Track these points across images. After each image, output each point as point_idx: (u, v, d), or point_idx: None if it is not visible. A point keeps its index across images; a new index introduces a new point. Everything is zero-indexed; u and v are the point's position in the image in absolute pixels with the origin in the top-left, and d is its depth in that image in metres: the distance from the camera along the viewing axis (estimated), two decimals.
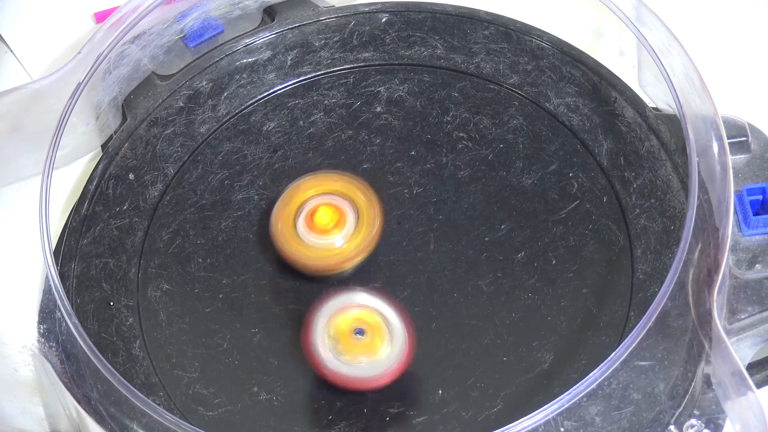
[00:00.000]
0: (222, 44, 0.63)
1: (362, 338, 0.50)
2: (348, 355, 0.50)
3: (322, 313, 0.51)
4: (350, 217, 0.54)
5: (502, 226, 0.56)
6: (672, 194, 0.56)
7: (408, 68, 0.62)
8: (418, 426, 0.51)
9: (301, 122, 0.61)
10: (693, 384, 0.50)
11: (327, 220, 0.53)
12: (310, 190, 0.55)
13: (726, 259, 0.50)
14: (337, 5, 0.65)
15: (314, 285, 0.55)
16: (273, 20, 0.64)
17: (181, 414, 0.52)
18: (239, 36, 0.64)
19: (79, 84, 0.57)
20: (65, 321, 0.51)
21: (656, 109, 0.59)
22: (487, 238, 0.56)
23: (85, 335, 0.50)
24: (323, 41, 0.63)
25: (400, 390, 0.52)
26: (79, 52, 0.59)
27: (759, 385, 0.52)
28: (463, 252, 0.56)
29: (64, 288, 0.51)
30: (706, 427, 0.49)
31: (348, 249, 0.53)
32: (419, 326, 0.53)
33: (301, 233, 0.54)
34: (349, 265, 0.54)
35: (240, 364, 0.53)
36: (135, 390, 0.48)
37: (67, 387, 0.51)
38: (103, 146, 0.62)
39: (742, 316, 0.51)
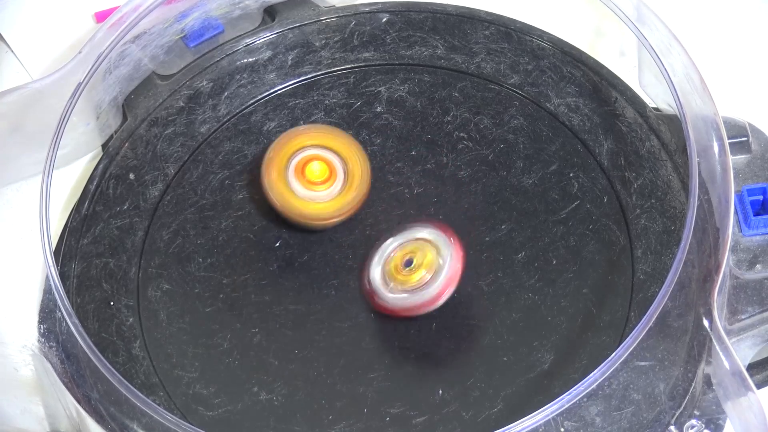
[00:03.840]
0: (222, 44, 0.63)
1: (411, 268, 0.52)
2: (400, 285, 0.52)
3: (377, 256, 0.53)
4: (340, 175, 0.55)
5: (503, 226, 0.56)
6: (672, 194, 0.56)
7: (408, 68, 0.62)
8: (418, 426, 0.51)
9: (302, 122, 0.61)
10: (693, 384, 0.50)
11: (318, 174, 0.54)
12: (307, 140, 0.55)
13: (726, 260, 0.50)
14: (337, 5, 0.65)
15: (315, 285, 0.55)
16: (273, 20, 0.64)
17: (182, 414, 0.52)
18: (240, 36, 0.64)
19: (80, 84, 0.57)
20: (65, 321, 0.51)
21: (657, 109, 0.59)
22: (487, 238, 0.56)
23: (85, 335, 0.50)
24: (324, 41, 0.63)
25: (400, 390, 0.52)
26: (79, 52, 0.59)
27: (759, 386, 0.52)
28: (463, 252, 0.56)
29: (64, 288, 0.51)
30: (706, 427, 0.49)
31: (331, 207, 0.55)
32: (420, 326, 0.53)
33: (290, 181, 0.54)
34: (329, 223, 0.55)
35: (240, 364, 0.53)
36: (135, 390, 0.48)
37: (67, 387, 0.51)
38: (104, 146, 0.62)
39: (743, 317, 0.51)
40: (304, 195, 0.55)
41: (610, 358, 0.47)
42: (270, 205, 0.55)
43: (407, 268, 0.52)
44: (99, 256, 0.57)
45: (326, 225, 0.56)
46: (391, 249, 0.53)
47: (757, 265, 0.53)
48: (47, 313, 0.55)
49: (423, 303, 0.52)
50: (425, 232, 0.53)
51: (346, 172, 0.55)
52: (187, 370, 0.53)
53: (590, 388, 0.47)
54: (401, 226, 0.54)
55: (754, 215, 0.53)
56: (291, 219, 0.55)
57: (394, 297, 0.52)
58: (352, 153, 0.55)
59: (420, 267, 0.52)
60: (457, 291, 0.54)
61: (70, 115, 0.56)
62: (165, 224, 0.58)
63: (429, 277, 0.52)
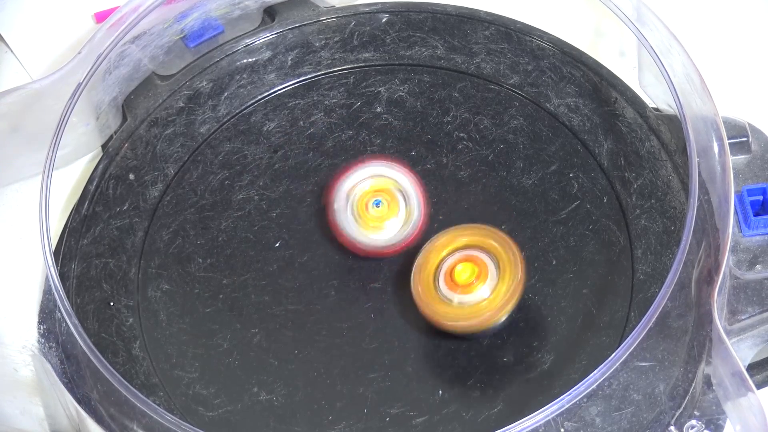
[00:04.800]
0: (222, 44, 0.63)
1: (380, 209, 0.53)
2: (367, 225, 0.53)
3: (343, 186, 0.54)
4: (491, 268, 0.52)
5: (503, 227, 0.56)
6: (672, 195, 0.56)
7: (408, 68, 0.62)
8: (418, 426, 0.51)
9: (302, 122, 0.61)
10: (693, 385, 0.50)
11: (468, 275, 0.51)
12: (443, 249, 0.53)
13: (726, 260, 0.50)
14: (337, 5, 0.65)
15: (315, 285, 0.55)
16: (273, 20, 0.64)
17: (181, 414, 0.52)
18: (239, 36, 0.64)
19: (80, 84, 0.57)
20: (65, 321, 0.51)
21: (657, 109, 0.59)
22: None
23: (85, 335, 0.50)
24: (323, 41, 0.63)
25: (400, 390, 0.52)
26: (79, 52, 0.59)
27: (759, 386, 0.52)
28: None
29: (64, 288, 0.51)
30: (706, 427, 0.49)
31: (495, 300, 0.51)
32: (419, 326, 0.53)
33: (443, 292, 0.52)
34: (500, 316, 0.51)
35: (240, 364, 0.53)
36: (135, 390, 0.48)
37: (67, 387, 0.51)
38: (104, 146, 0.62)
39: (743, 317, 0.51)
40: (467, 301, 0.51)
41: (610, 358, 0.47)
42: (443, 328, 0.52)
43: (376, 208, 0.53)
44: (99, 257, 0.57)
45: (503, 316, 0.52)
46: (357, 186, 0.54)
47: (757, 266, 0.53)
48: (47, 313, 0.55)
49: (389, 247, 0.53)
50: (390, 172, 0.54)
51: (495, 259, 0.52)
52: (187, 370, 0.53)
53: (590, 389, 0.47)
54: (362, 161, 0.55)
55: (754, 215, 0.53)
56: (471, 331, 0.52)
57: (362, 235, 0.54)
58: (489, 239, 0.52)
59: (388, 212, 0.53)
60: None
61: (69, 116, 0.56)
62: (165, 224, 0.58)
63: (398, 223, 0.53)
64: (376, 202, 0.53)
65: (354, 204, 0.54)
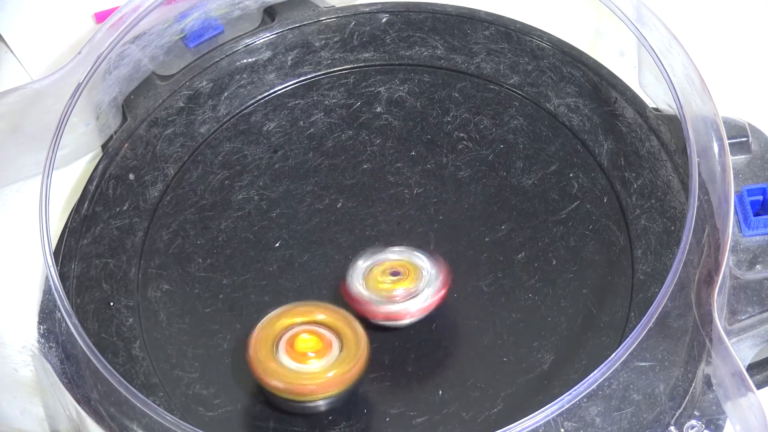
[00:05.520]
0: (222, 44, 0.63)
1: (400, 278, 0.52)
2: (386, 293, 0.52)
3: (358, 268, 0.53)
4: (334, 348, 0.51)
5: (502, 227, 0.56)
6: (672, 195, 0.56)
7: (408, 68, 0.62)
8: (418, 426, 0.51)
9: (301, 122, 0.61)
10: (693, 385, 0.50)
11: (311, 345, 0.50)
12: (296, 317, 0.51)
13: (726, 260, 0.50)
14: (337, 5, 0.65)
15: (315, 285, 0.55)
16: (273, 20, 0.64)
17: (181, 414, 0.52)
18: (239, 36, 0.64)
19: (79, 84, 0.57)
20: (65, 321, 0.51)
21: (657, 109, 0.59)
22: (487, 239, 0.56)
23: (85, 336, 0.50)
24: (323, 41, 0.63)
25: (400, 390, 0.52)
26: (79, 52, 0.59)
27: (759, 386, 0.52)
28: (463, 252, 0.56)
29: (64, 288, 0.51)
30: (706, 427, 0.49)
31: (319, 376, 0.50)
32: (419, 326, 0.53)
33: (280, 356, 0.50)
34: (322, 395, 0.50)
35: (240, 365, 0.53)
36: (135, 390, 0.48)
37: (66, 387, 0.51)
38: (103, 146, 0.62)
39: (743, 317, 0.51)
40: (297, 368, 0.50)
41: (610, 358, 0.47)
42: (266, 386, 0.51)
43: (393, 277, 0.52)
44: (99, 257, 0.57)
45: (325, 396, 0.50)
46: (374, 262, 0.53)
47: (757, 266, 0.53)
48: (47, 313, 0.55)
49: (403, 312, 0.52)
50: (417, 259, 0.53)
51: (341, 343, 0.51)
52: (186, 370, 0.53)
53: (590, 389, 0.47)
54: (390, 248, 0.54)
55: (754, 215, 0.53)
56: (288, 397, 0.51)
57: (374, 298, 0.52)
58: (343, 323, 0.51)
59: (406, 279, 0.52)
60: (458, 291, 0.54)
61: (69, 116, 0.56)
62: (165, 225, 0.58)
63: (414, 289, 0.52)
64: (394, 272, 0.52)
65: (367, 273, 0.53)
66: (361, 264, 0.53)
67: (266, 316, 0.51)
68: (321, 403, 0.50)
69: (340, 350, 0.50)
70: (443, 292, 0.52)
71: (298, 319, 0.51)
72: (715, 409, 0.50)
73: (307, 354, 0.50)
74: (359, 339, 0.51)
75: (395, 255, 0.53)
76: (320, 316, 0.51)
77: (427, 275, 0.52)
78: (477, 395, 0.51)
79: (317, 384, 0.49)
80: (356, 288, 0.52)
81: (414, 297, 0.52)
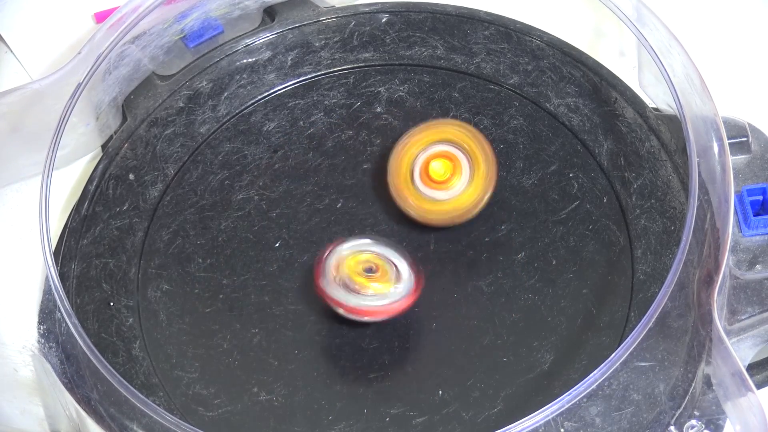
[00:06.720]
0: (222, 44, 0.63)
1: (373, 275, 0.52)
2: (361, 290, 0.52)
3: (333, 257, 0.53)
4: (464, 161, 0.54)
5: (502, 227, 0.56)
6: (672, 195, 0.56)
7: (408, 68, 0.62)
8: (418, 426, 0.51)
9: (301, 122, 0.61)
10: (693, 385, 0.50)
11: (443, 171, 0.54)
12: (415, 146, 0.55)
13: (726, 260, 0.50)
14: (337, 5, 0.65)
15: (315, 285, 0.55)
16: (273, 20, 0.64)
17: (181, 414, 0.52)
18: (239, 36, 0.64)
19: (79, 84, 0.57)
20: (65, 321, 0.51)
21: (656, 109, 0.59)
22: (487, 238, 0.56)
23: (85, 336, 0.50)
24: (323, 41, 0.63)
25: (400, 390, 0.52)
26: (79, 53, 0.59)
27: (759, 386, 0.52)
28: (463, 252, 0.56)
29: (64, 288, 0.51)
30: (706, 427, 0.49)
31: (472, 192, 0.54)
32: (419, 327, 0.53)
33: (419, 187, 0.54)
34: (477, 209, 0.55)
35: (240, 364, 0.53)
36: (135, 390, 0.48)
37: (66, 387, 0.51)
38: (103, 146, 0.62)
39: (743, 317, 0.51)
40: (440, 197, 0.54)
41: (610, 358, 0.47)
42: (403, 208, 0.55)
43: (367, 273, 0.52)
44: (99, 257, 0.57)
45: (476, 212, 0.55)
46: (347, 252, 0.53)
47: (757, 266, 0.53)
48: (47, 313, 0.55)
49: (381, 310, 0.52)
50: (396, 259, 0.53)
51: (468, 157, 0.55)
52: (186, 370, 0.53)
53: (590, 389, 0.47)
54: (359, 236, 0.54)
55: (754, 215, 0.53)
56: (444, 224, 0.55)
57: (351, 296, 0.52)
58: (464, 136, 0.55)
59: (378, 278, 0.52)
60: (458, 291, 0.54)
61: (69, 116, 0.56)
62: (165, 225, 0.58)
63: (382, 292, 0.52)
64: (368, 269, 0.52)
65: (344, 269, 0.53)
66: (341, 249, 0.53)
67: (391, 156, 0.55)
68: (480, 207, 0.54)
69: (469, 161, 0.54)
70: (410, 301, 0.52)
71: (418, 148, 0.55)
72: (715, 409, 0.50)
73: (447, 180, 0.54)
74: (479, 143, 0.55)
75: (376, 249, 0.53)
76: (434, 135, 0.55)
77: (399, 280, 0.52)
78: (477, 395, 0.51)
79: (470, 200, 0.54)
80: (330, 276, 0.52)
81: (381, 299, 0.52)
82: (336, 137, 0.60)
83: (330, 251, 0.52)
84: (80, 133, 0.61)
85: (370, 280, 0.51)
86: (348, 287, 0.51)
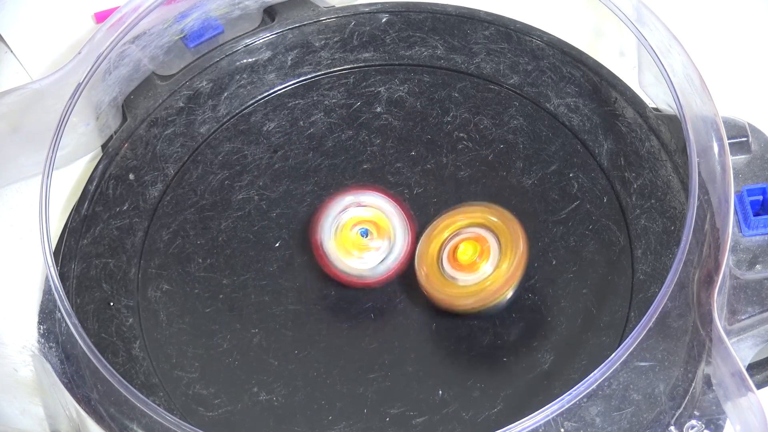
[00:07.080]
0: (222, 44, 0.63)
1: (367, 238, 0.53)
2: (354, 253, 0.53)
3: (330, 214, 0.53)
4: (493, 245, 0.53)
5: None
6: (672, 195, 0.56)
7: (408, 68, 0.62)
8: (418, 426, 0.51)
9: (301, 122, 0.61)
10: (693, 385, 0.50)
11: (471, 254, 0.52)
12: (446, 230, 0.54)
13: (726, 260, 0.50)
14: (337, 5, 0.65)
15: (315, 286, 0.55)
16: (273, 20, 0.64)
17: (181, 414, 0.52)
18: (239, 36, 0.64)
19: (79, 84, 0.57)
20: (65, 321, 0.51)
21: (656, 109, 0.59)
22: None
23: (85, 336, 0.50)
24: (323, 41, 0.63)
25: (400, 390, 0.52)
26: (79, 53, 0.59)
27: (759, 386, 0.52)
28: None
29: (64, 288, 0.51)
30: (706, 427, 0.49)
31: (499, 276, 0.52)
32: (419, 326, 0.53)
33: (448, 272, 0.53)
34: (506, 292, 0.52)
35: (240, 364, 0.53)
36: (135, 390, 0.48)
37: (66, 387, 0.51)
38: (103, 146, 0.62)
39: (743, 317, 0.51)
40: (471, 280, 0.52)
41: (610, 358, 0.47)
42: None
43: (363, 238, 0.53)
44: (99, 257, 0.57)
45: (508, 293, 0.52)
46: (344, 214, 0.54)
47: (757, 266, 0.53)
48: (47, 313, 0.55)
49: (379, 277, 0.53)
50: (378, 202, 0.54)
51: (496, 235, 0.53)
52: (186, 370, 0.53)
53: (590, 389, 0.47)
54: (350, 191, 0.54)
55: (754, 215, 0.53)
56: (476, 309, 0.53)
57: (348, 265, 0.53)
58: (488, 215, 0.53)
59: (374, 238, 0.53)
60: None
61: (69, 116, 0.56)
62: (165, 225, 0.58)
63: (379, 254, 0.53)
64: (363, 231, 0.53)
65: (339, 230, 0.53)
66: (334, 214, 0.54)
67: (420, 242, 0.53)
68: (510, 293, 0.52)
69: (498, 243, 0.52)
70: (404, 255, 0.53)
71: (447, 233, 0.53)
72: (715, 409, 0.50)
73: (474, 262, 0.52)
74: (509, 223, 0.53)
75: (368, 212, 0.54)
76: (463, 220, 0.53)
77: (394, 236, 0.53)
78: (477, 395, 0.51)
79: (498, 285, 0.52)
80: (326, 243, 0.53)
81: (377, 265, 0.53)
82: (336, 137, 0.60)
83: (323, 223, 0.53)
84: (80, 133, 0.61)
85: (365, 246, 0.53)
86: (345, 256, 0.53)
